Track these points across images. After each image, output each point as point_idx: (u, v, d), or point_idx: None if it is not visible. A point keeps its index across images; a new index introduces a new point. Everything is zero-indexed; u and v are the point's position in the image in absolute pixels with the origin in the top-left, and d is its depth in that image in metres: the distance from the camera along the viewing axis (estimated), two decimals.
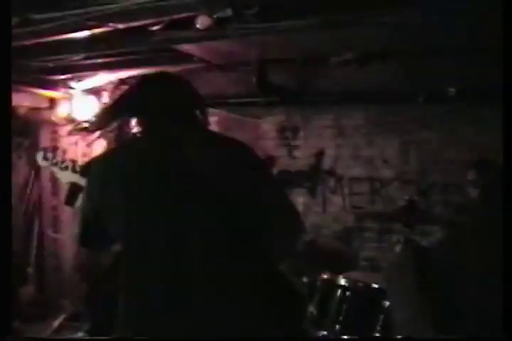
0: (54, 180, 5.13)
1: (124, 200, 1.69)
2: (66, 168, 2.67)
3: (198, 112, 1.91)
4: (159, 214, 1.67)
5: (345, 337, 2.98)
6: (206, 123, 1.92)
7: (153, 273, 1.65)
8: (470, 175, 2.91)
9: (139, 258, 1.67)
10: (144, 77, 2.00)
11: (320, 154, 4.51)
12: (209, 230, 1.66)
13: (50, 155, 2.70)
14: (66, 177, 2.67)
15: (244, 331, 1.61)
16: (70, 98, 4.86)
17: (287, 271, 1.87)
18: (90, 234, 1.77)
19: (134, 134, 1.87)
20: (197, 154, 1.72)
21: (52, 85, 4.65)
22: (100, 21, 2.93)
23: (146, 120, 1.86)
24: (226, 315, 1.60)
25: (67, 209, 4.67)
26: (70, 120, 4.92)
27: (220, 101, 4.67)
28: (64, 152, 2.98)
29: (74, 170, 2.65)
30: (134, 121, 1.87)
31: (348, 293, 3.04)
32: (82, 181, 2.60)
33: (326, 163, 4.50)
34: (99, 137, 3.60)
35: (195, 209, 1.67)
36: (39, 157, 2.79)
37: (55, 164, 2.68)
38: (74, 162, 2.71)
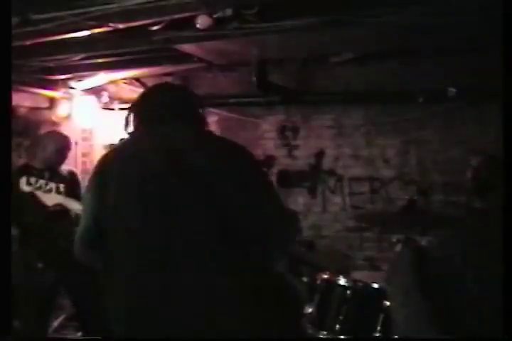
0: None
1: (122, 199, 1.70)
2: (50, 190, 2.65)
3: (197, 112, 1.95)
4: (152, 212, 1.68)
5: (345, 337, 2.98)
6: (205, 123, 1.95)
7: (144, 273, 1.66)
8: (474, 162, 2.89)
9: (131, 257, 1.68)
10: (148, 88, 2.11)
11: (320, 154, 4.51)
12: (201, 230, 1.66)
13: (33, 179, 2.68)
14: (51, 200, 2.66)
15: (237, 332, 1.62)
16: (70, 98, 4.86)
17: (287, 272, 1.87)
18: (94, 234, 1.77)
19: (133, 134, 1.89)
20: (194, 153, 1.74)
21: (52, 85, 4.65)
22: (100, 21, 2.93)
23: (145, 120, 1.90)
24: (215, 315, 1.61)
25: None
26: None
27: (220, 101, 4.68)
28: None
29: (58, 192, 2.65)
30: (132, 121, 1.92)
31: (348, 293, 3.04)
32: (68, 201, 2.61)
33: (326, 163, 4.50)
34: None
35: (190, 207, 1.68)
36: (22, 183, 2.78)
37: (39, 188, 2.66)
38: (58, 183, 2.71)
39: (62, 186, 2.89)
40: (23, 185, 2.85)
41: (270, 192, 1.83)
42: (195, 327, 1.60)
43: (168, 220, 1.66)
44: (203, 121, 1.94)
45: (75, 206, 2.74)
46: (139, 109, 1.94)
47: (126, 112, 1.96)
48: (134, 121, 1.92)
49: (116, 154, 1.86)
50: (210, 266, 1.64)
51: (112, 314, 1.70)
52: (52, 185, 2.78)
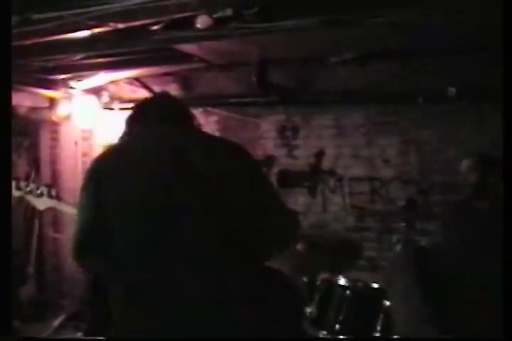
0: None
1: (122, 200, 1.69)
2: (41, 194, 2.57)
3: (192, 115, 2.00)
4: (154, 214, 1.68)
5: (345, 337, 2.98)
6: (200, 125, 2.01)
7: (149, 273, 1.66)
8: (464, 165, 2.89)
9: (136, 258, 1.67)
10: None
11: (320, 154, 4.51)
12: (204, 230, 1.66)
13: (23, 184, 2.59)
14: (42, 204, 2.58)
15: (243, 331, 1.62)
16: (70, 98, 4.86)
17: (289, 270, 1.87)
18: (92, 236, 1.76)
19: (129, 134, 1.92)
20: (195, 154, 1.74)
21: (52, 85, 4.65)
22: (100, 21, 2.93)
23: (142, 121, 1.92)
24: (220, 315, 1.61)
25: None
26: None
27: (220, 101, 4.68)
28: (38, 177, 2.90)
29: (50, 196, 2.56)
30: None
31: (348, 293, 3.04)
32: (60, 205, 2.56)
33: (326, 163, 4.50)
34: None
35: (191, 208, 1.67)
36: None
37: (30, 192, 2.57)
38: (49, 187, 2.63)
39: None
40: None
41: (270, 191, 1.84)
42: (197, 326, 1.60)
43: (167, 219, 1.66)
44: (197, 123, 1.99)
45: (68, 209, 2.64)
46: (137, 112, 1.98)
47: (126, 116, 1.98)
48: (130, 123, 1.95)
49: (112, 153, 1.86)
50: (210, 265, 1.64)
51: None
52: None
